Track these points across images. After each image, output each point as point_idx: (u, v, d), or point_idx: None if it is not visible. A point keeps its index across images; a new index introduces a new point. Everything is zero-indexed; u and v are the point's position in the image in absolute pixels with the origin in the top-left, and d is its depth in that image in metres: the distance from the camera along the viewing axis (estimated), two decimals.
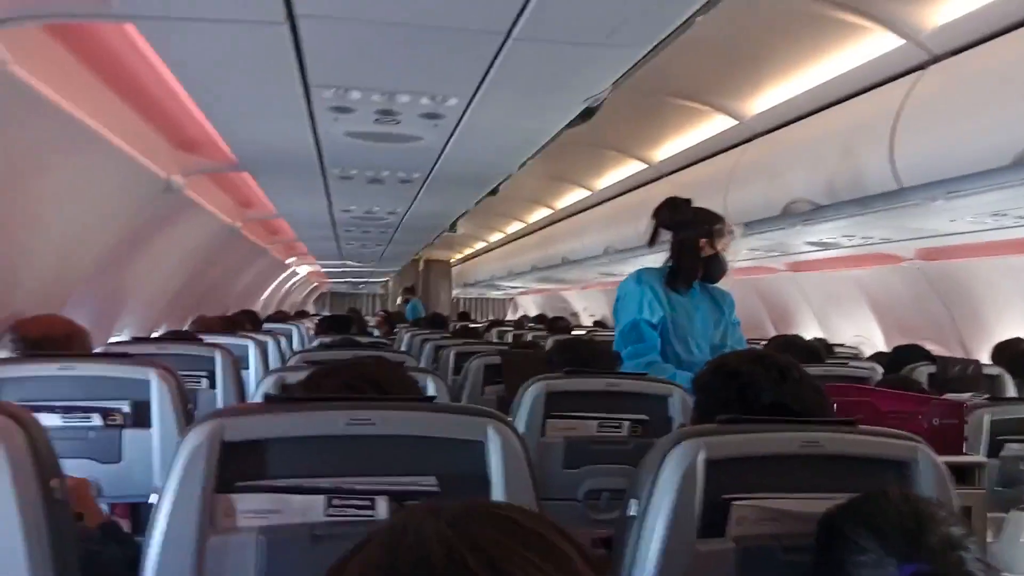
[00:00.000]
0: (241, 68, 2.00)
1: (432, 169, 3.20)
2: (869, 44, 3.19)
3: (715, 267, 2.74)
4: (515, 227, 9.93)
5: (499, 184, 3.78)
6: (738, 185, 4.26)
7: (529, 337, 6.01)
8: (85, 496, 1.59)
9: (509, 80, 2.03)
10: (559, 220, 8.01)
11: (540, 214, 8.66)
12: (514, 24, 1.69)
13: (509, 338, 6.68)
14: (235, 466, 1.00)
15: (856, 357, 4.63)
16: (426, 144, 2.76)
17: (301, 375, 2.07)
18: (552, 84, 2.08)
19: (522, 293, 13.80)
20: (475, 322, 10.06)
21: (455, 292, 14.50)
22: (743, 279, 6.46)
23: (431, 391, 1.99)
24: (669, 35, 1.78)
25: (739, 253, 4.74)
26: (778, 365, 1.31)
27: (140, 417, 1.99)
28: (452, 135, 2.61)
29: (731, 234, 2.78)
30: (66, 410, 1.96)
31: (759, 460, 1.09)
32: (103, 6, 1.60)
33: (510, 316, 14.23)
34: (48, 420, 1.89)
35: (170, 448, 1.95)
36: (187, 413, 2.06)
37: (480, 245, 12.15)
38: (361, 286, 15.24)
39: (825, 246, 4.47)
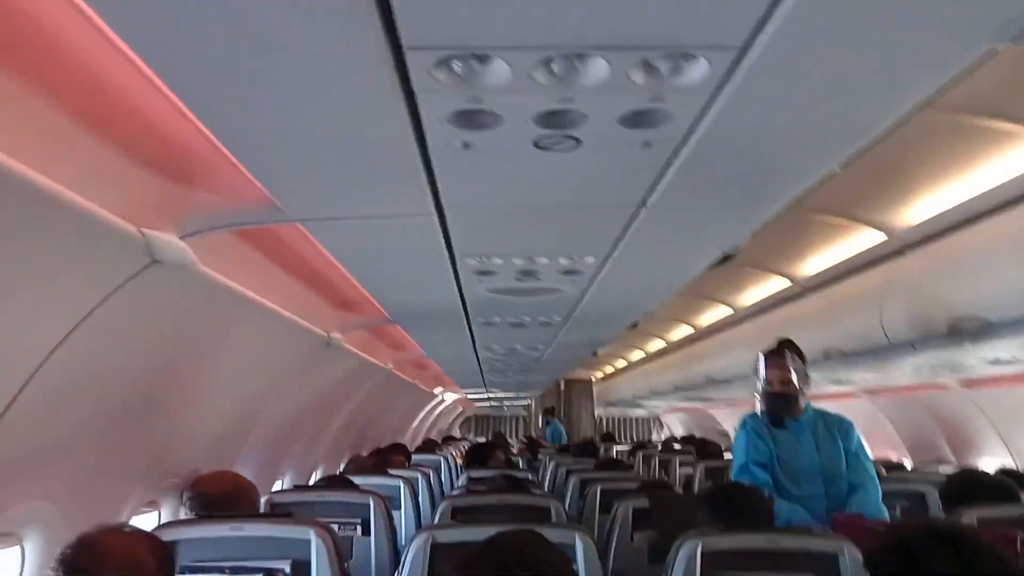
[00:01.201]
0: (394, 250, 2.15)
1: (571, 314, 3.24)
2: None
3: (774, 403, 2.87)
4: (656, 344, 9.78)
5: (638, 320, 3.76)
6: (893, 300, 4.02)
7: (678, 462, 5.79)
8: None
9: (644, 240, 2.06)
10: (701, 338, 7.82)
11: (682, 331, 8.50)
12: (648, 194, 1.74)
13: (655, 464, 6.45)
14: None
15: None
16: (565, 295, 2.82)
17: (451, 534, 2.12)
18: (688, 241, 2.09)
19: (667, 412, 13.37)
20: (619, 442, 9.81)
21: (597, 411, 14.27)
22: (911, 396, 5.98)
23: (579, 551, 1.97)
24: None
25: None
26: (966, 546, 1.18)
27: None
28: (590, 286, 2.66)
29: (764, 364, 2.91)
30: (234, 571, 2.06)
31: None
32: (277, 213, 1.80)
33: (655, 436, 13.78)
34: None
35: None
36: (344, 572, 2.11)
37: (621, 363, 12.01)
38: (504, 408, 15.36)
39: (1002, 363, 4.08)
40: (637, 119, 1.33)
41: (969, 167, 3.34)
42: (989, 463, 5.00)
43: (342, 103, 1.26)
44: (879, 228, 4.16)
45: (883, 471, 4.64)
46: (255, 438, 3.58)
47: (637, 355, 10.91)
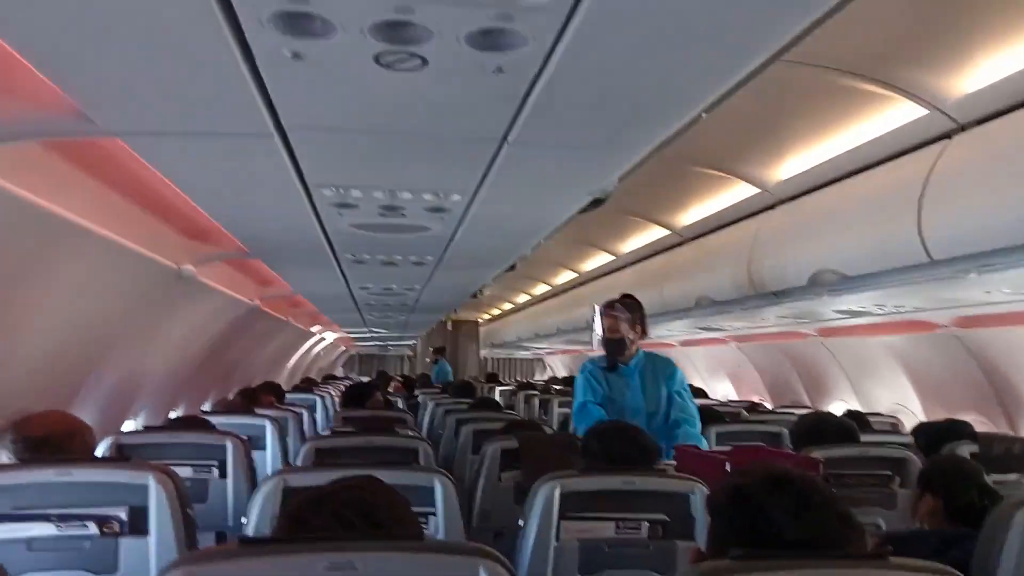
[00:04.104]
0: (237, 173, 1.97)
1: (443, 254, 3.14)
2: (893, 114, 3.10)
3: (607, 348, 3.28)
4: (541, 289, 9.87)
5: (515, 262, 3.71)
6: (763, 252, 4.14)
7: (557, 404, 5.87)
8: None
9: (510, 179, 1.97)
10: (584, 283, 7.93)
11: (566, 277, 8.60)
12: (508, 130, 1.64)
13: (536, 404, 6.54)
14: None
15: (895, 428, 4.42)
16: (434, 234, 2.71)
17: (305, 478, 2.01)
18: (554, 182, 2.01)
19: (550, 353, 13.64)
20: (503, 383, 9.92)
21: (483, 352, 14.39)
22: (772, 344, 6.28)
23: (438, 495, 1.93)
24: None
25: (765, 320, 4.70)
26: (798, 491, 1.19)
27: (137, 524, 1.90)
28: (459, 225, 2.56)
29: (600, 315, 3.30)
30: (61, 519, 1.89)
31: None
32: (88, 125, 1.58)
33: (539, 376, 14.07)
34: (43, 530, 1.83)
35: (167, 557, 1.86)
36: (187, 518, 1.98)
37: (508, 306, 12.09)
38: (389, 348, 15.22)
39: (855, 314, 4.31)
40: (486, 40, 1.21)
41: (838, 127, 3.42)
42: (839, 407, 5.33)
43: None
44: (753, 183, 4.26)
45: (739, 413, 4.90)
46: (98, 376, 3.32)
47: (523, 299, 11.00)
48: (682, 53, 1.28)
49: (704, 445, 3.20)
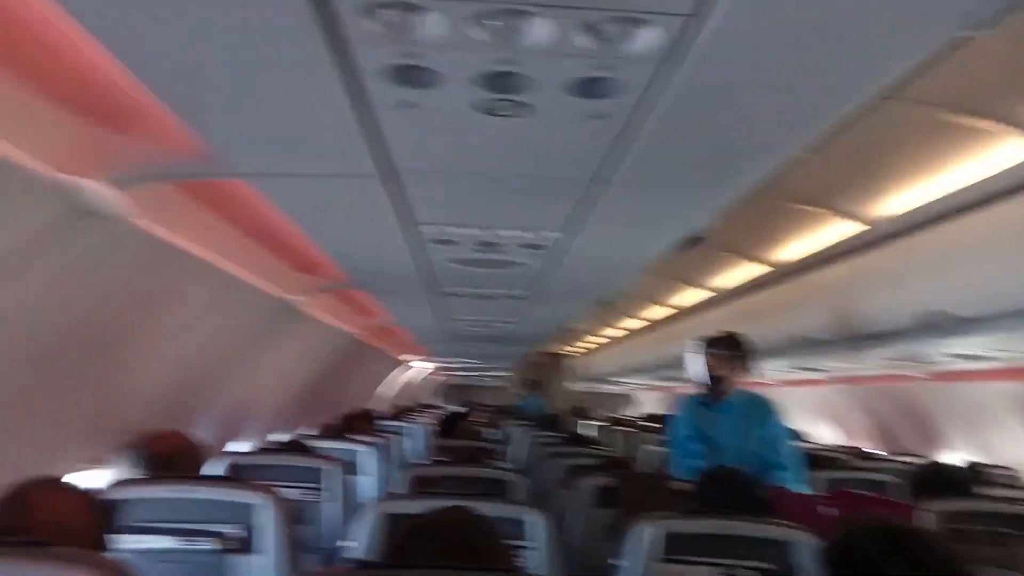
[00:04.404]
0: (347, 211, 2.08)
1: (537, 288, 3.19)
2: (1006, 150, 2.96)
3: (705, 384, 3.20)
4: (633, 323, 9.77)
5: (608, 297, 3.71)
6: (864, 291, 4.00)
7: (648, 441, 5.77)
8: None
9: (606, 217, 2.00)
10: (677, 319, 7.80)
11: (657, 312, 8.49)
12: (606, 171, 1.67)
13: (627, 440, 6.44)
14: None
15: (1014, 482, 4.12)
16: (529, 268, 2.76)
17: (405, 505, 2.07)
18: (650, 221, 2.03)
19: (641, 390, 13.42)
20: (593, 418, 9.82)
21: (572, 385, 14.31)
22: (878, 387, 6.00)
23: (535, 530, 1.92)
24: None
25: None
26: (916, 548, 1.16)
27: (248, 542, 2.00)
28: (553, 262, 2.60)
29: (699, 351, 3.21)
30: (182, 533, 2.00)
31: None
32: (216, 166, 1.71)
33: (628, 412, 13.84)
34: (164, 543, 1.96)
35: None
36: (292, 538, 2.07)
37: (598, 340, 12.01)
38: (481, 378, 15.36)
39: (968, 358, 4.07)
40: (587, 87, 1.25)
41: (945, 163, 3.28)
42: (952, 456, 5.02)
43: (269, 49, 1.17)
44: (856, 219, 4.13)
45: (844, 458, 4.69)
46: (212, 399, 3.52)
47: (613, 333, 10.90)
48: (788, 92, 1.28)
49: (805, 490, 3.07)
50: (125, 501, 1.94)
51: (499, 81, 1.24)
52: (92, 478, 2.61)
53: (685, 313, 7.50)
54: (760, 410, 3.21)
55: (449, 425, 5.27)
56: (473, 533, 1.28)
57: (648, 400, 13.65)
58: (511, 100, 1.31)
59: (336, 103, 1.34)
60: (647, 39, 1.09)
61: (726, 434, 3.15)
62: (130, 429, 2.65)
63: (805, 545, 1.88)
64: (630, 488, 2.76)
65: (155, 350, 2.68)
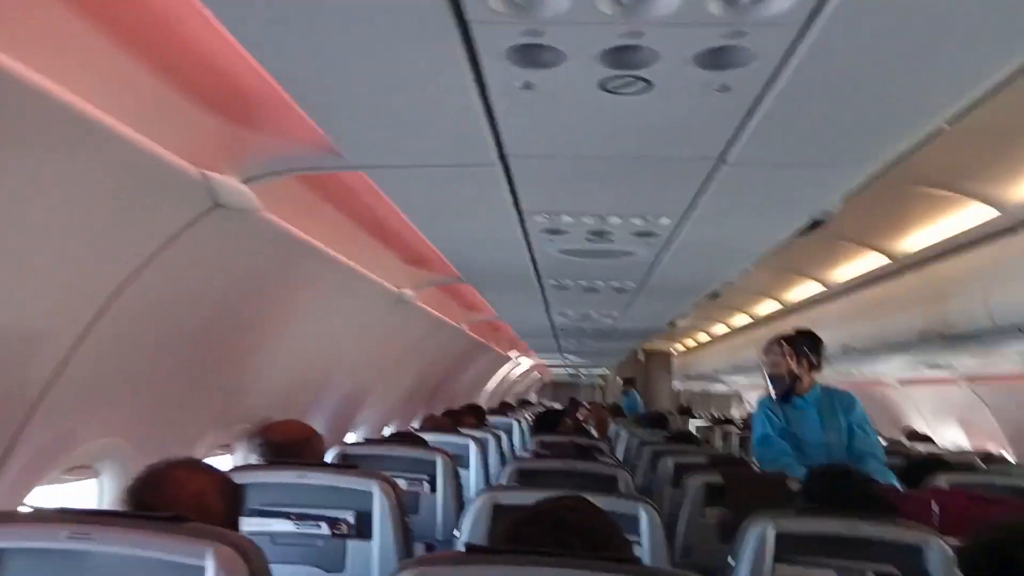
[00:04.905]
0: (460, 203, 2.10)
1: (645, 280, 3.13)
2: None
3: (772, 383, 3.28)
4: (741, 319, 9.48)
5: (717, 289, 3.62)
6: (1004, 281, 3.71)
7: None
8: None
9: (725, 200, 1.93)
10: (789, 314, 7.50)
11: (769, 307, 8.19)
12: (726, 150, 1.61)
13: (735, 441, 6.28)
14: None
15: None
16: (638, 259, 2.71)
17: (512, 496, 2.08)
18: (772, 203, 1.95)
19: (749, 389, 13.01)
20: (697, 416, 9.61)
21: (676, 384, 14.04)
22: (1014, 385, 5.56)
23: (644, 524, 1.91)
24: None
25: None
26: None
27: (362, 527, 2.06)
28: (665, 250, 2.54)
29: (768, 354, 3.29)
30: (299, 517, 2.08)
31: None
32: (339, 159, 1.76)
33: (736, 413, 13.45)
34: (282, 526, 2.04)
35: (388, 562, 2.00)
36: (405, 526, 2.11)
37: (704, 337, 11.73)
38: (581, 376, 15.32)
39: None
40: (715, 58, 1.21)
41: None
42: None
43: (395, 38, 1.19)
44: (989, 203, 3.84)
45: (979, 463, 4.38)
46: (328, 391, 3.64)
47: (720, 329, 10.62)
48: (928, 59, 1.20)
49: (893, 481, 3.02)
50: (245, 486, 2.02)
51: (622, 56, 1.22)
52: (220, 463, 2.75)
53: (797, 308, 7.21)
54: (843, 402, 3.23)
55: (548, 421, 5.26)
56: (593, 522, 1.26)
57: (756, 399, 13.21)
58: (633, 76, 1.28)
59: (457, 89, 1.35)
60: (783, 2, 1.03)
61: (808, 430, 3.19)
62: (253, 419, 2.78)
63: (935, 548, 1.76)
64: (739, 487, 2.69)
65: (278, 343, 2.80)
